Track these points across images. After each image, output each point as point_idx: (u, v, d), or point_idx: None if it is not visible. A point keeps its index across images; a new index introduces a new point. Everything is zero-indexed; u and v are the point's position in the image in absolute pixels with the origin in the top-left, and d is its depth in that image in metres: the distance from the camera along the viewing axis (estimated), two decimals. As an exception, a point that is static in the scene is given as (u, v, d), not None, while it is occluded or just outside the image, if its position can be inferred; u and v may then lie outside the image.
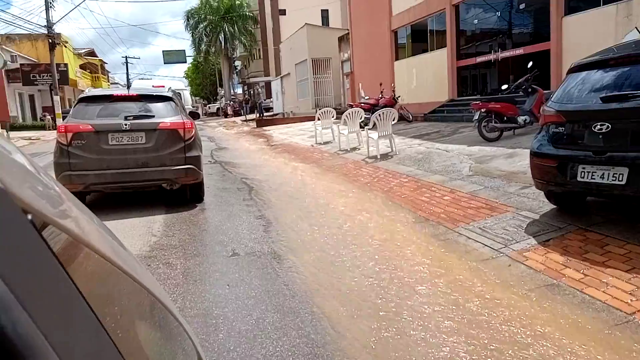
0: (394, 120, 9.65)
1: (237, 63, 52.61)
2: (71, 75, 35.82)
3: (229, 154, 13.39)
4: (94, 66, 48.50)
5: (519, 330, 2.86)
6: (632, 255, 3.59)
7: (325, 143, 12.99)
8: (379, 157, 9.24)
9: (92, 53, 49.10)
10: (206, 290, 3.79)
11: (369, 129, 9.83)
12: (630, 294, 3.10)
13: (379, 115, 9.38)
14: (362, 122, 11.80)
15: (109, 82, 54.51)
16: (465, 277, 3.72)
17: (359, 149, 10.85)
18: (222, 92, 50.64)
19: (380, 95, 15.86)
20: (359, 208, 6.07)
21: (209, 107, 54.95)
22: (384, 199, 6.44)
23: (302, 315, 3.26)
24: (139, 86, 19.62)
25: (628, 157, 3.71)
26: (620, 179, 3.73)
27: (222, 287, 3.82)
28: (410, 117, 15.62)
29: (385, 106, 12.59)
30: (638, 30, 4.29)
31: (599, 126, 3.89)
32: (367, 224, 5.33)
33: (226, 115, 41.48)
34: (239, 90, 56.53)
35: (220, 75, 53.20)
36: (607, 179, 3.81)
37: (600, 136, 3.89)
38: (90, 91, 7.00)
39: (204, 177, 6.93)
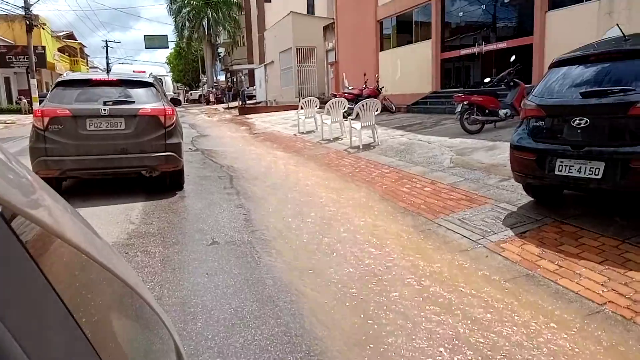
0: (377, 110, 9.66)
1: (221, 50, 51.97)
2: (49, 59, 34.94)
3: (210, 141, 13.26)
4: (72, 49, 47.40)
5: (495, 319, 2.90)
6: (605, 248, 3.67)
7: (308, 132, 12.95)
8: (361, 147, 9.25)
9: (71, 36, 47.93)
10: (185, 278, 3.76)
11: (352, 119, 9.82)
12: (602, 285, 3.18)
13: (362, 105, 9.38)
14: (345, 112, 11.78)
15: (88, 66, 53.34)
16: (443, 267, 3.76)
17: (342, 139, 10.84)
18: (205, 79, 50.07)
19: (364, 86, 15.85)
20: (340, 198, 6.08)
21: (191, 94, 54.32)
22: (366, 189, 6.46)
23: (281, 304, 3.26)
24: (119, 71, 19.23)
25: (605, 152, 3.78)
26: (596, 173, 3.80)
27: (201, 276, 3.79)
28: (394, 108, 15.66)
29: (368, 97, 12.59)
30: (619, 27, 4.34)
31: (577, 121, 3.95)
32: (347, 214, 5.34)
33: (208, 103, 41.05)
34: (222, 78, 55.95)
35: (203, 62, 52.55)
36: (584, 173, 3.88)
37: (579, 131, 3.96)
38: (69, 75, 6.84)
39: (184, 164, 6.85)
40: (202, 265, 4.00)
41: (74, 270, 0.61)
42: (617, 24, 4.36)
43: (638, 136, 3.63)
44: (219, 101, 38.63)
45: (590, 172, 3.84)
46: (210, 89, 44.59)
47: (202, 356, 2.68)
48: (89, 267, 0.64)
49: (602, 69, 4.08)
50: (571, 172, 3.98)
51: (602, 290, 3.12)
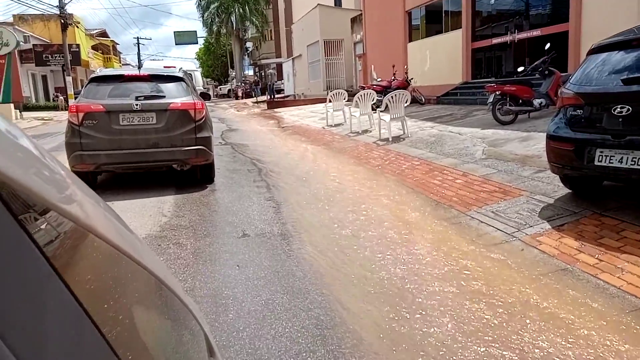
0: (406, 102, 9.51)
1: (249, 44, 52.31)
2: (83, 56, 35.89)
3: (239, 135, 13.37)
4: (105, 47, 48.54)
5: (531, 315, 2.82)
6: (649, 241, 3.51)
7: (337, 125, 12.89)
8: (390, 139, 9.15)
9: (104, 34, 49.10)
10: (216, 270, 3.80)
11: (381, 111, 9.71)
12: (646, 280, 3.04)
13: (392, 97, 9.26)
14: (374, 104, 11.67)
15: (120, 63, 54.59)
16: (477, 260, 3.67)
17: (371, 132, 10.75)
18: (233, 73, 50.50)
19: (393, 78, 15.65)
20: (370, 191, 6.03)
21: (220, 88, 54.92)
22: (396, 181, 6.38)
23: (312, 297, 3.26)
24: (150, 67, 19.59)
25: (648, 142, 3.61)
26: (639, 163, 3.64)
27: (232, 268, 3.82)
28: (423, 99, 15.43)
29: (397, 88, 12.43)
30: None
31: (619, 109, 3.78)
32: (377, 207, 5.28)
33: (237, 97, 41.39)
34: (250, 72, 56.33)
35: (231, 57, 53.00)
36: (626, 163, 3.72)
37: (620, 119, 3.79)
38: (102, 71, 6.98)
39: (214, 158, 6.92)
40: (233, 258, 4.03)
41: (102, 264, 0.61)
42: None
43: (684, 124, 3.45)
44: (247, 95, 38.91)
45: (633, 163, 3.68)
46: (239, 83, 44.97)
47: (234, 347, 2.69)
48: (118, 260, 0.64)
49: (645, 54, 3.89)
50: (612, 163, 3.82)
51: (647, 286, 2.98)
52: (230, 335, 2.82)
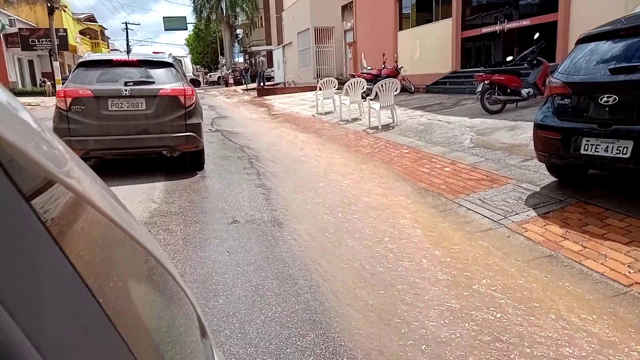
0: (396, 91, 9.53)
1: (239, 31, 51.74)
2: (70, 41, 35.27)
3: (229, 122, 13.30)
4: (93, 32, 47.73)
5: (516, 300, 2.88)
6: (631, 229, 3.59)
7: (327, 113, 12.88)
8: (380, 127, 9.17)
9: (91, 18, 48.24)
10: (206, 256, 3.81)
11: (370, 99, 9.71)
12: (628, 266, 3.12)
13: (381, 85, 9.26)
14: (364, 92, 11.65)
15: (108, 48, 53.72)
16: (464, 247, 3.73)
17: (360, 120, 10.76)
18: (224, 60, 50.00)
19: (383, 66, 15.63)
20: (359, 178, 6.06)
21: (210, 75, 54.34)
22: (385, 169, 6.42)
23: (301, 282, 3.29)
24: (139, 52, 19.31)
25: (634, 130, 3.67)
26: (624, 152, 3.70)
27: (222, 254, 3.84)
28: (413, 88, 15.44)
29: (387, 77, 12.42)
30: None
31: (605, 98, 3.83)
32: (367, 194, 5.32)
33: (227, 84, 41.04)
34: (240, 59, 55.81)
35: (221, 44, 52.43)
36: (611, 152, 3.78)
37: (607, 108, 3.84)
38: (90, 56, 6.89)
39: (204, 145, 6.89)
40: (223, 244, 4.05)
41: (101, 239, 0.62)
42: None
43: (669, 114, 3.51)
44: (237, 83, 38.59)
45: (618, 151, 3.74)
46: (229, 70, 44.57)
47: (224, 332, 2.72)
48: (117, 236, 0.64)
49: (632, 44, 3.93)
50: (597, 152, 3.88)
51: (629, 272, 3.06)
52: (220, 320, 2.85)
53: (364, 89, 11.73)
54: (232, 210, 4.92)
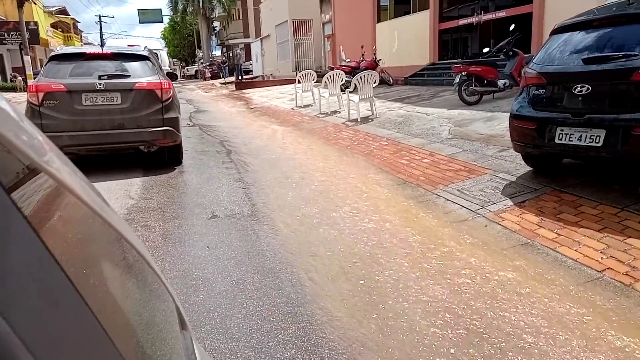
0: (375, 83, 9.55)
1: (216, 24, 51.09)
2: (42, 35, 34.32)
3: (207, 116, 13.16)
4: (66, 25, 46.57)
5: (494, 287, 2.93)
6: (604, 216, 3.68)
7: (306, 106, 12.84)
8: (359, 120, 9.19)
9: (64, 11, 47.01)
10: (186, 252, 3.78)
11: (349, 91, 9.72)
12: (601, 252, 3.20)
13: (360, 78, 9.26)
14: (343, 85, 11.65)
15: (82, 42, 52.51)
16: (443, 237, 3.78)
17: (340, 112, 10.76)
18: (201, 54, 49.33)
19: (362, 58, 15.63)
20: (339, 171, 6.07)
21: (187, 69, 53.61)
22: (364, 161, 6.44)
23: (282, 276, 3.29)
24: (113, 45, 18.93)
25: (606, 119, 3.75)
26: (597, 140, 3.78)
27: (202, 249, 3.81)
28: (391, 80, 15.50)
29: (366, 69, 12.42)
30: None
31: (579, 88, 3.91)
32: (346, 187, 5.34)
33: (204, 78, 40.57)
34: (218, 52, 55.17)
35: (198, 37, 51.70)
36: (585, 141, 3.86)
37: (580, 98, 3.92)
38: (62, 49, 6.72)
39: (182, 139, 6.81)
40: (202, 239, 4.01)
41: (80, 227, 0.61)
42: (620, -11, 4.27)
43: (640, 103, 3.59)
44: (215, 76, 38.17)
45: (591, 140, 3.82)
46: (206, 64, 44.01)
47: (205, 327, 2.70)
48: (96, 226, 0.63)
49: (604, 34, 4.02)
50: (571, 141, 3.95)
51: (601, 258, 3.14)
52: (201, 316, 2.83)
53: (343, 82, 11.72)
54: (211, 205, 4.88)
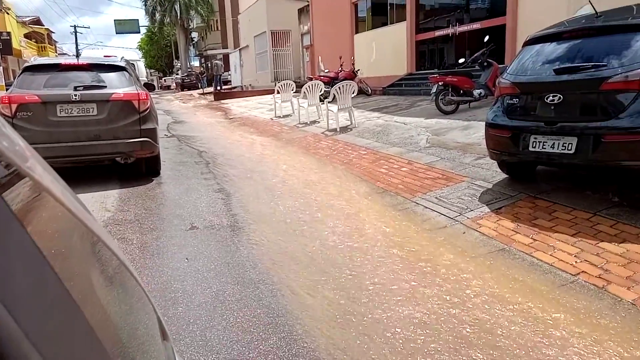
0: (353, 93, 9.64)
1: (194, 34, 50.96)
2: (15, 45, 33.61)
3: (186, 127, 13.06)
4: (40, 35, 45.79)
5: (471, 292, 2.97)
6: (577, 221, 3.77)
7: (285, 116, 12.87)
8: (338, 129, 9.25)
9: (37, 21, 46.30)
10: (164, 264, 3.73)
11: (328, 102, 9.79)
12: (575, 256, 3.28)
13: (339, 88, 9.34)
14: (321, 95, 11.72)
15: (56, 52, 51.69)
16: (422, 244, 3.81)
17: (319, 122, 10.81)
18: (179, 64, 49.07)
19: (340, 69, 15.77)
20: (319, 180, 6.08)
21: (165, 80, 53.21)
22: (344, 171, 6.48)
23: (263, 287, 3.27)
24: (89, 56, 18.71)
25: (577, 127, 3.86)
26: (569, 148, 3.88)
27: (180, 261, 3.76)
28: (370, 90, 15.66)
29: (345, 79, 12.54)
30: (591, 4, 4.39)
31: (551, 97, 4.02)
32: (326, 196, 5.35)
33: (182, 89, 40.33)
34: (196, 63, 54.95)
35: (176, 47, 51.47)
36: (557, 149, 3.96)
37: (552, 107, 4.02)
38: (36, 60, 6.61)
39: (160, 150, 6.74)
40: (181, 250, 3.97)
41: (65, 231, 0.61)
42: (590, 1, 4.41)
43: (609, 111, 3.71)
44: (193, 87, 37.99)
45: (563, 148, 3.92)
46: (184, 74, 43.76)
47: (185, 340, 2.67)
48: (80, 232, 0.63)
49: (574, 45, 4.14)
50: (544, 148, 4.05)
51: (575, 261, 3.21)
52: (180, 328, 2.79)
53: (322, 92, 11.80)
54: (190, 217, 4.83)
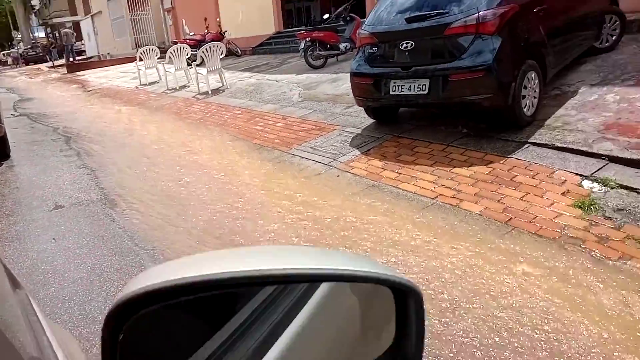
0: (222, 54, 9.36)
1: (35, 2, 44.80)
2: None
3: (36, 104, 11.69)
4: None
5: (349, 225, 3.19)
6: (434, 153, 4.20)
7: (151, 83, 12.11)
8: (210, 92, 8.98)
9: None
10: (27, 248, 3.42)
11: (197, 65, 9.40)
12: (433, 183, 3.67)
13: (206, 50, 8.99)
14: (189, 58, 11.19)
15: None
16: (301, 190, 3.95)
17: (189, 87, 10.38)
18: (19, 36, 43.12)
19: (206, 31, 15.14)
20: (193, 144, 5.92)
21: (3, 54, 46.54)
22: (219, 132, 6.36)
23: (142, 253, 3.18)
24: None
25: (428, 70, 4.22)
26: (423, 89, 4.24)
27: (46, 242, 3.48)
28: (239, 51, 15.32)
29: (212, 41, 12.08)
30: None
31: (404, 44, 4.32)
32: (202, 158, 5.24)
33: (28, 63, 35.71)
34: (42, 34, 48.69)
35: (14, 17, 45.02)
36: (414, 91, 4.30)
37: (407, 53, 4.33)
38: None
39: (6, 131, 6.01)
40: (46, 232, 3.66)
41: None
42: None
43: (454, 53, 4.10)
44: (40, 60, 33.82)
45: (419, 89, 4.27)
46: (28, 47, 38.61)
47: (62, 318, 2.52)
48: None
49: (423, -5, 4.45)
50: (403, 91, 4.38)
51: (434, 187, 3.60)
52: (55, 308, 2.63)
53: (189, 55, 11.25)
54: (52, 196, 4.43)
